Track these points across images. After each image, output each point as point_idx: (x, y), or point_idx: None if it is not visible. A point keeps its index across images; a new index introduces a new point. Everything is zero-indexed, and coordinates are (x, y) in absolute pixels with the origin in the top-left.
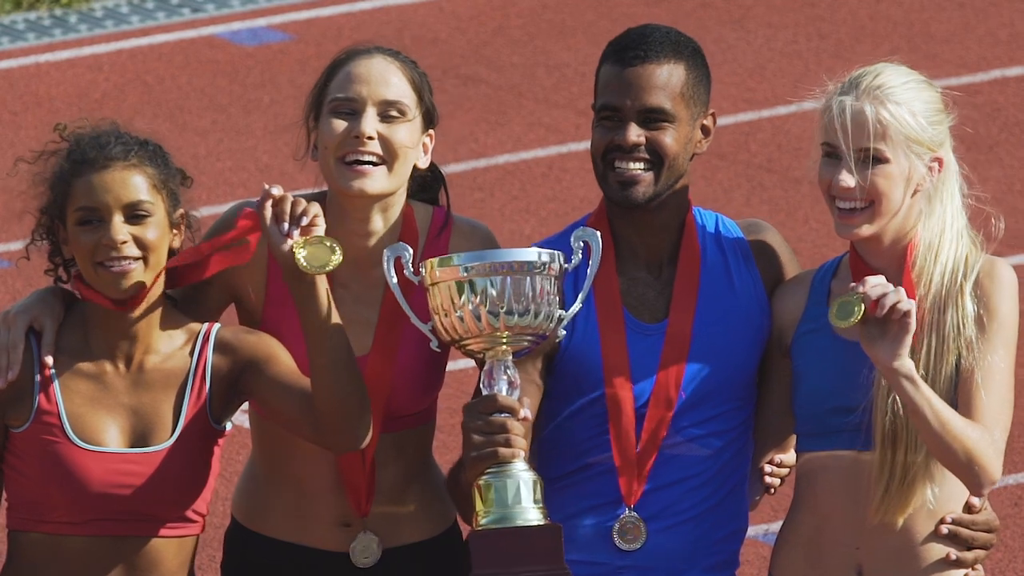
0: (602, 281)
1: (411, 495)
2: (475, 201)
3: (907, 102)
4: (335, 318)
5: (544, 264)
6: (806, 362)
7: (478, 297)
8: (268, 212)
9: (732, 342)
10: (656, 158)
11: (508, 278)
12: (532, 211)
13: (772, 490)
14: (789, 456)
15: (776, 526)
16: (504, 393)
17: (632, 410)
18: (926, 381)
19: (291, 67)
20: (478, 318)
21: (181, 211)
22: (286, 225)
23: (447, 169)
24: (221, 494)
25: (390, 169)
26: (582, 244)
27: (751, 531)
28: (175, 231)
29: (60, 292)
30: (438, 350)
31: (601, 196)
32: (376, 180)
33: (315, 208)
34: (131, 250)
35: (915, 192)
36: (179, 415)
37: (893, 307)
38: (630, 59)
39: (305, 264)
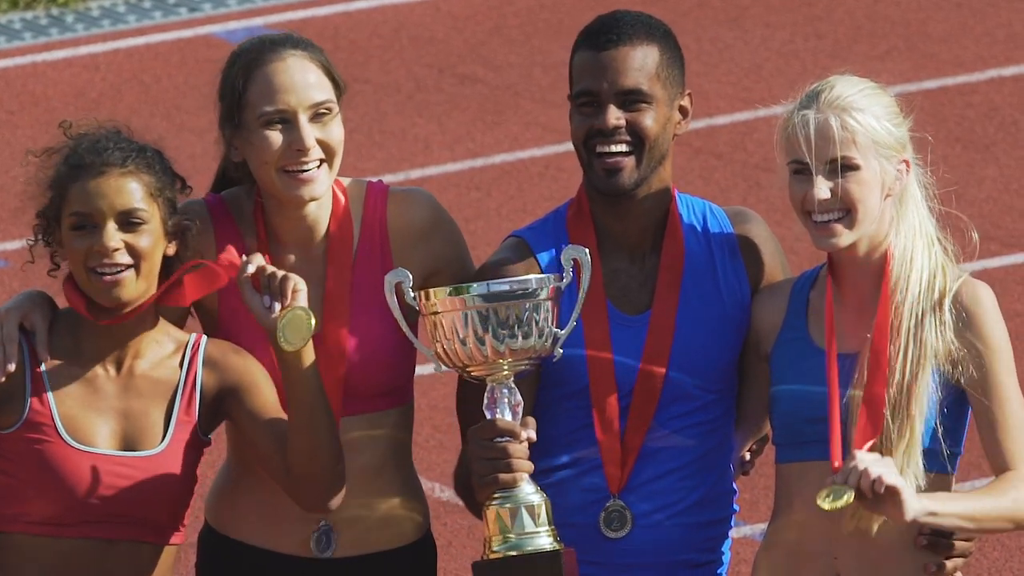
0: None
1: (386, 491)
2: (472, 200)
3: (868, 107)
4: (318, 379)
5: (540, 288)
6: (783, 373)
7: (470, 327)
8: (247, 284)
9: (713, 333)
10: (637, 140)
11: (492, 309)
12: (529, 210)
13: (747, 470)
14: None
15: None
16: (507, 417)
17: (616, 401)
18: (903, 389)
19: None
20: (481, 342)
21: (176, 219)
22: (267, 298)
23: (444, 168)
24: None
25: (331, 166)
26: (572, 262)
27: (749, 531)
28: (170, 240)
29: (46, 295)
30: (441, 372)
31: (580, 183)
32: (321, 182)
33: (294, 281)
34: (123, 257)
35: (887, 196)
36: (169, 423)
37: (878, 481)
38: (604, 43)
39: (284, 343)
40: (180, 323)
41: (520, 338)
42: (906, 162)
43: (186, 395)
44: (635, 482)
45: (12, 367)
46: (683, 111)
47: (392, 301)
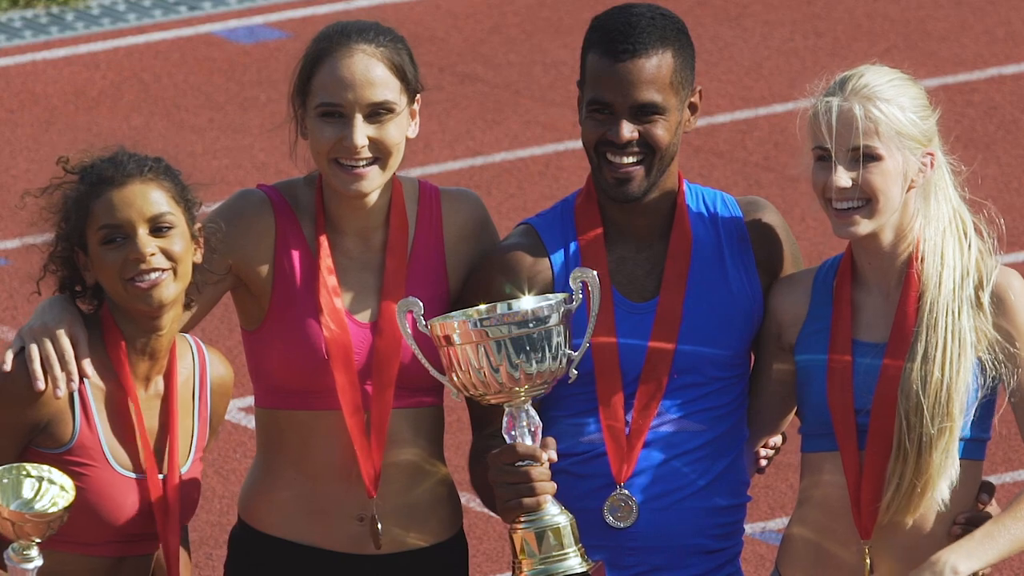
0: (591, 260)
1: (424, 487)
2: None
3: (894, 98)
4: None
5: (552, 313)
6: (813, 362)
7: (483, 356)
8: None
9: (721, 321)
10: (648, 150)
11: (505, 339)
12: (529, 209)
13: (762, 469)
14: (777, 438)
15: (773, 524)
16: (526, 440)
17: (621, 388)
18: (942, 384)
19: (287, 65)
20: (496, 370)
21: (199, 225)
22: None
23: (444, 167)
24: (219, 492)
25: (383, 167)
26: (582, 284)
27: (749, 529)
28: (196, 245)
29: (75, 304)
30: (457, 399)
31: (589, 174)
32: (371, 180)
33: None
34: (160, 262)
35: (910, 188)
36: (192, 436)
37: None
38: (619, 53)
39: None
40: (214, 300)
41: (534, 363)
42: (931, 155)
43: (203, 414)
44: (640, 468)
45: (75, 385)
46: (693, 107)
47: (405, 329)
